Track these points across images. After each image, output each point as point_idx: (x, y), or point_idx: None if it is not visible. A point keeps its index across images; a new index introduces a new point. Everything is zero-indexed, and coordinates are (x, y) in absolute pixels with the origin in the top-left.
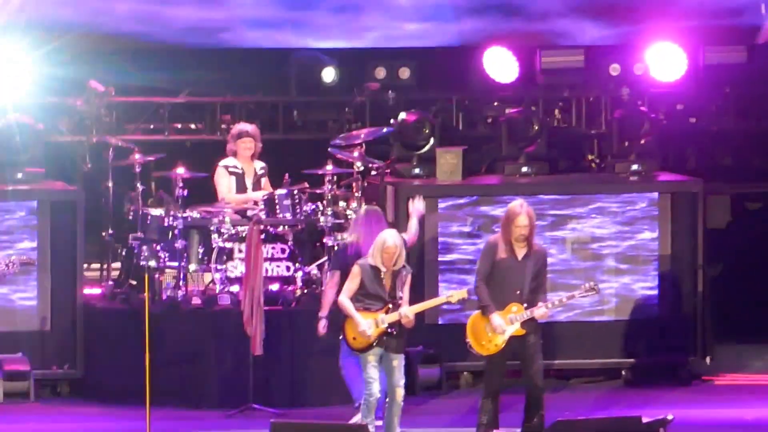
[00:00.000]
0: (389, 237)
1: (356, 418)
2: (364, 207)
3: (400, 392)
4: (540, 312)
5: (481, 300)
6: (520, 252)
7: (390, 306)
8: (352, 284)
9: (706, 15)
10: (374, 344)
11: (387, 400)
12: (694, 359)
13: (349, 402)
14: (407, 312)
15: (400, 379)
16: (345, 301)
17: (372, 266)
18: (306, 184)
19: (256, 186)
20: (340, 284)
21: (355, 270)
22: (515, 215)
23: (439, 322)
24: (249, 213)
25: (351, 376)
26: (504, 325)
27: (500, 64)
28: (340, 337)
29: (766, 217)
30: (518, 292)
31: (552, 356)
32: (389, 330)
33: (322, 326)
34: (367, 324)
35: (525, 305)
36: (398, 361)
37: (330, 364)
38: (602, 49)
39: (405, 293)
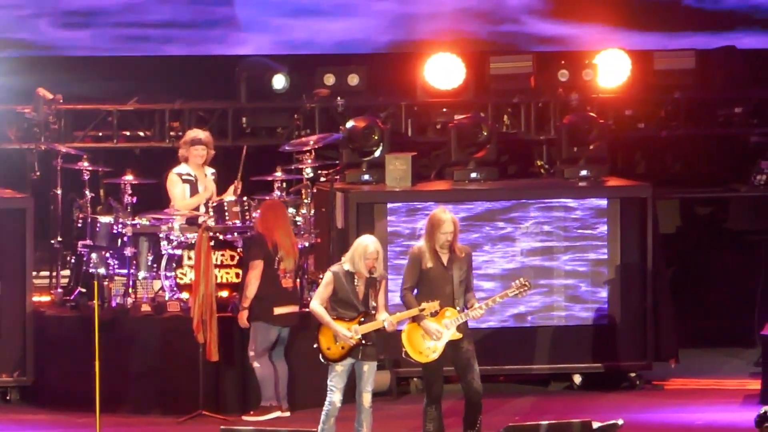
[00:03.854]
0: (371, 242)
1: (264, 417)
2: (266, 200)
3: (367, 397)
4: (476, 313)
5: (409, 309)
6: (445, 257)
7: (363, 316)
8: (324, 291)
9: (656, 20)
10: (347, 355)
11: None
12: (644, 364)
13: (308, 406)
14: (392, 320)
15: (367, 385)
16: (318, 308)
17: (348, 272)
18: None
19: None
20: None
21: (328, 277)
22: (441, 222)
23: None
24: (198, 220)
25: (265, 374)
26: (440, 329)
27: (447, 70)
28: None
29: (715, 222)
30: (449, 297)
31: (502, 361)
32: (363, 341)
33: (246, 317)
34: (348, 332)
35: (458, 309)
36: (368, 367)
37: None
38: (551, 54)
39: (381, 299)
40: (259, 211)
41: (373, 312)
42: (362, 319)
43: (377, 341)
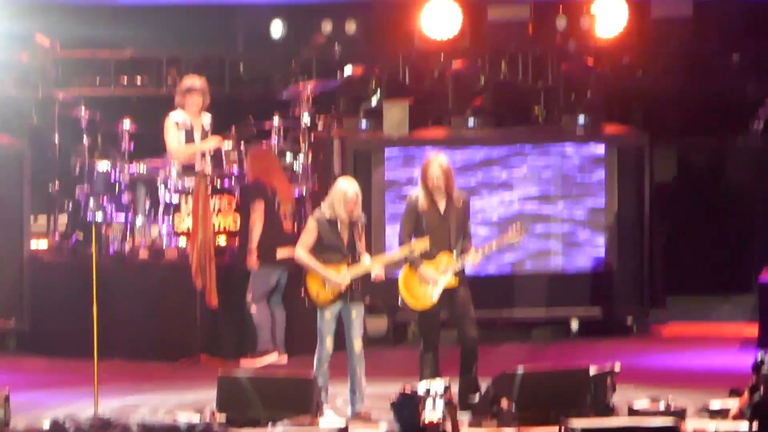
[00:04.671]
0: (349, 186)
1: (261, 361)
2: (253, 148)
3: (358, 343)
4: (473, 259)
5: (407, 254)
6: (442, 204)
7: (350, 259)
8: (308, 238)
9: None
10: (336, 299)
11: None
12: (641, 310)
13: (304, 351)
14: (378, 269)
15: (356, 330)
16: (304, 255)
17: (329, 218)
18: (254, 130)
19: (204, 140)
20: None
21: (311, 224)
22: (428, 166)
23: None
24: (196, 167)
25: (261, 318)
26: (436, 276)
27: (445, 18)
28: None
29: (710, 171)
30: (446, 244)
31: (499, 307)
32: (352, 285)
33: (255, 259)
34: (337, 276)
35: (454, 255)
36: (357, 312)
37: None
38: (549, 2)
39: (362, 243)
40: (248, 160)
41: (358, 256)
42: (349, 262)
43: (376, 289)
